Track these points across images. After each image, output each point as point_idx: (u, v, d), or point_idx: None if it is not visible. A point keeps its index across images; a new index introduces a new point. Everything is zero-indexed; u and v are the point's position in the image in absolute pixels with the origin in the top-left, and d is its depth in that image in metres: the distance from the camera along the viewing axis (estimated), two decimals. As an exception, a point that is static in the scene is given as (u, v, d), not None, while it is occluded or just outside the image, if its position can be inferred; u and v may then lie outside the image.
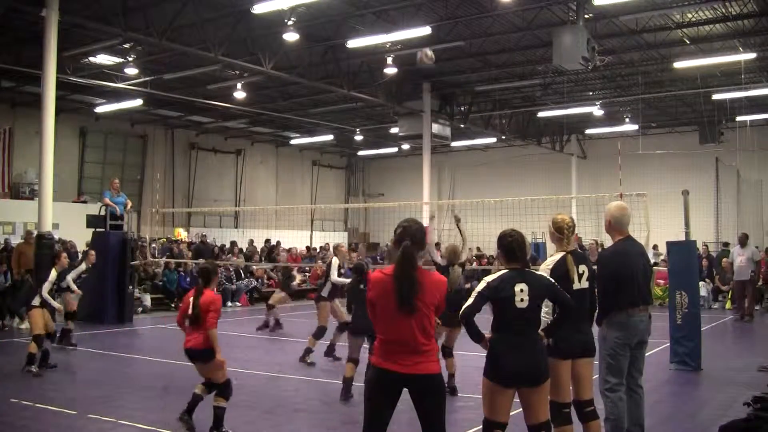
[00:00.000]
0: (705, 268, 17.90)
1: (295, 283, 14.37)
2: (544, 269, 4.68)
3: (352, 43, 16.03)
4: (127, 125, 25.47)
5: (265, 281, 20.43)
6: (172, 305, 16.91)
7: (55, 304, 9.26)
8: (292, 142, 29.77)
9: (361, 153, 32.64)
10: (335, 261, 10.12)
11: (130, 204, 15.14)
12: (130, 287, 14.61)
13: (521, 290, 4.06)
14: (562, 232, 4.80)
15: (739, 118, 22.00)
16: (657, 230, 10.24)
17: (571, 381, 4.64)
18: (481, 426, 4.20)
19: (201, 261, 17.68)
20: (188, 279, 17.54)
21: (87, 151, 24.21)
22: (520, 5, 14.60)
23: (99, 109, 22.43)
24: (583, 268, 4.76)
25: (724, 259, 17.53)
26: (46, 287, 8.99)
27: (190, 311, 5.79)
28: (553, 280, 4.39)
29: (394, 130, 24.68)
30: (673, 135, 26.22)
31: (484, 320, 4.07)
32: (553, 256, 4.80)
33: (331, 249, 10.99)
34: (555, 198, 14.49)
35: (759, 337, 13.38)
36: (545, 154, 27.65)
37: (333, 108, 23.93)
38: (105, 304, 13.80)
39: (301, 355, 9.65)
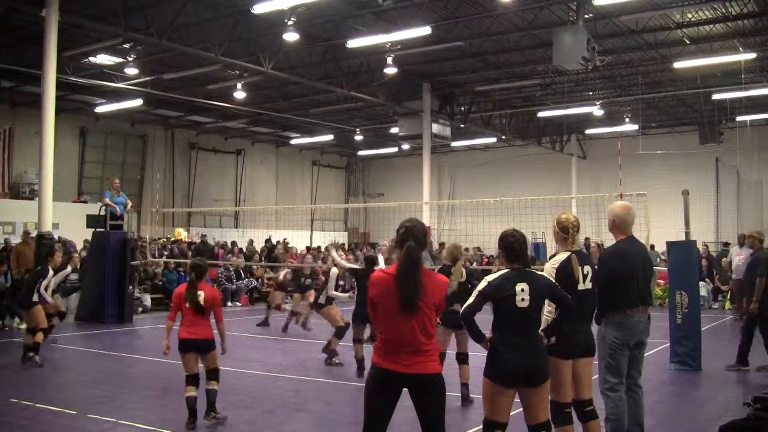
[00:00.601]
0: (705, 268, 17.88)
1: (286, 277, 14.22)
2: (549, 268, 4.66)
3: (352, 43, 16.04)
4: (127, 125, 25.47)
5: (265, 281, 20.42)
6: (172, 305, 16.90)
7: (50, 300, 9.54)
8: (292, 142, 29.78)
9: (361, 153, 32.65)
10: (334, 272, 10.07)
11: (130, 204, 15.13)
12: (130, 287, 14.60)
13: (522, 290, 4.05)
14: (567, 231, 4.77)
15: (739, 118, 22.01)
16: (657, 230, 10.24)
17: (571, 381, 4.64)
18: (481, 426, 4.20)
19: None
20: (188, 279, 17.52)
21: (87, 151, 24.22)
22: (520, 5, 14.61)
23: (99, 109, 22.44)
24: (587, 268, 4.75)
25: (724, 259, 17.52)
26: (43, 284, 9.21)
27: (195, 304, 6.18)
28: (553, 280, 4.39)
29: (394, 130, 24.69)
30: (673, 135, 26.22)
31: (485, 320, 4.07)
32: (557, 256, 4.77)
33: (332, 253, 10.85)
34: (555, 198, 14.51)
35: (758, 336, 13.37)
36: (545, 154, 27.65)
37: (333, 108, 23.94)
38: (105, 304, 13.78)
39: (326, 358, 9.54)
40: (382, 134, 28.16)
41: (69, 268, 11.38)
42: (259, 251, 21.70)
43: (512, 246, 4.22)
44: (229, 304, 18.27)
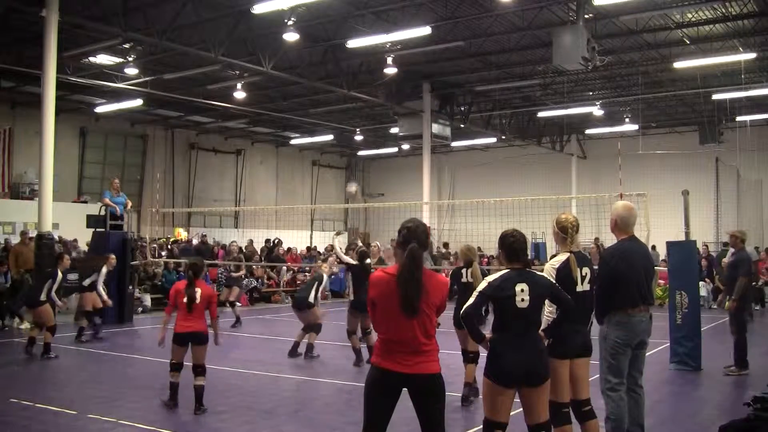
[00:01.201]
0: (705, 268, 17.88)
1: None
2: (549, 269, 4.66)
3: (352, 43, 16.04)
4: (127, 125, 25.48)
5: (265, 281, 20.43)
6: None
7: (60, 303, 10.11)
8: (292, 142, 29.78)
9: (361, 153, 32.65)
10: (320, 275, 10.43)
11: (130, 204, 15.13)
12: (130, 287, 14.60)
13: (522, 290, 4.05)
14: (566, 231, 4.76)
15: (739, 118, 22.02)
16: (657, 230, 10.22)
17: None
18: (481, 426, 4.20)
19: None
20: (187, 276, 17.51)
21: (87, 151, 24.23)
22: (520, 5, 14.61)
23: (99, 109, 22.44)
24: (585, 270, 4.74)
25: (724, 259, 17.51)
26: (54, 287, 9.83)
27: (194, 300, 6.57)
28: (553, 281, 4.39)
29: (394, 130, 24.70)
30: (673, 135, 26.23)
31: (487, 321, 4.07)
32: (558, 257, 4.77)
33: (336, 249, 11.01)
34: (555, 198, 14.50)
35: (758, 337, 13.37)
36: (545, 154, 27.65)
37: (333, 108, 23.94)
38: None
39: (304, 352, 9.90)
40: (382, 134, 28.17)
41: (105, 269, 11.77)
42: (259, 251, 21.69)
43: (512, 246, 4.22)
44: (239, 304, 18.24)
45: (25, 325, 12.87)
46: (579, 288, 4.64)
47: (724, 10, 15.09)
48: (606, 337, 5.02)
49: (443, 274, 8.12)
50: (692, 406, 7.29)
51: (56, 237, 15.43)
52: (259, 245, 22.01)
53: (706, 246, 20.10)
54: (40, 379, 8.36)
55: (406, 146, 27.54)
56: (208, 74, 19.01)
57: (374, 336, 8.97)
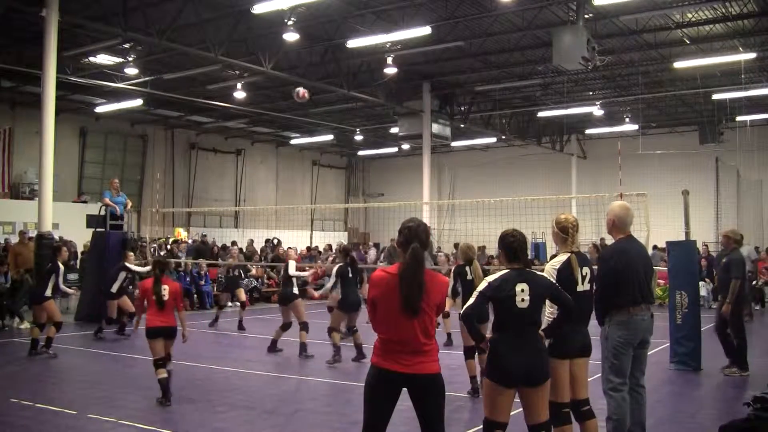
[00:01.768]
0: (705, 268, 17.88)
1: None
2: (549, 269, 4.65)
3: (352, 43, 16.04)
4: (127, 125, 25.48)
5: (265, 281, 20.42)
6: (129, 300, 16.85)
7: (71, 291, 10.53)
8: (292, 142, 29.78)
9: (361, 153, 32.64)
10: (292, 264, 10.65)
11: (130, 204, 15.13)
12: (130, 287, 14.57)
13: (522, 290, 4.05)
14: (566, 231, 4.75)
15: (739, 118, 22.01)
16: (657, 230, 10.24)
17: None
18: (481, 426, 4.20)
19: (201, 261, 17.78)
20: (188, 279, 17.54)
21: (87, 151, 24.22)
22: (520, 5, 14.61)
23: (99, 109, 22.44)
24: (586, 270, 4.73)
25: (723, 260, 17.51)
26: (60, 280, 10.03)
27: (160, 297, 6.97)
28: (553, 281, 4.38)
29: (394, 130, 24.69)
30: (673, 135, 26.22)
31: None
32: (558, 257, 4.75)
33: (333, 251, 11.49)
34: (555, 198, 14.49)
35: (758, 337, 13.37)
36: (545, 154, 27.64)
37: (333, 108, 23.93)
38: (105, 304, 13.75)
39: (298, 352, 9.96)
40: (382, 134, 28.16)
41: (147, 268, 12.00)
42: (259, 251, 21.69)
43: (512, 246, 4.21)
44: (229, 304, 18.24)
45: (25, 325, 12.87)
46: (579, 288, 4.64)
47: (724, 10, 15.09)
48: (608, 337, 5.02)
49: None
50: (692, 406, 7.29)
51: (56, 237, 15.40)
52: (259, 245, 22.02)
53: (706, 246, 20.09)
54: (40, 379, 8.36)
55: (406, 146, 27.54)
56: (208, 74, 19.01)
57: (360, 335, 9.14)
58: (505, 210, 12.49)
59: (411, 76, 20.85)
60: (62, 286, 10.11)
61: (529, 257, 5.39)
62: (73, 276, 13.85)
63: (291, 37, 15.21)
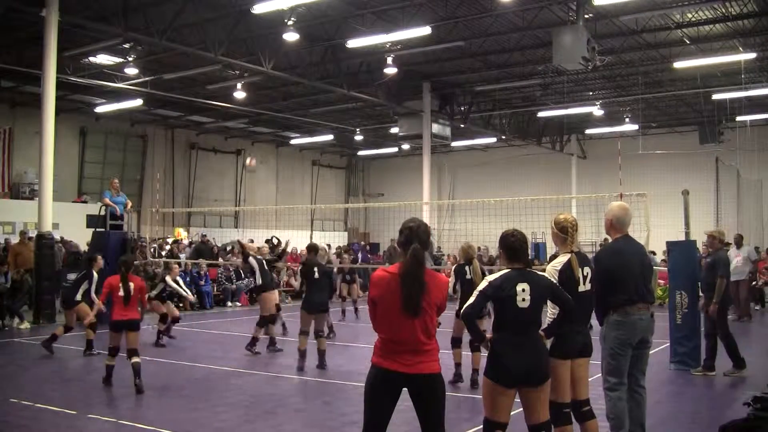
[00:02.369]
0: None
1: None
2: (551, 270, 4.64)
3: (352, 43, 16.04)
4: (127, 125, 25.47)
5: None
6: (172, 305, 16.88)
7: (97, 301, 10.22)
8: (292, 142, 29.78)
9: (361, 153, 32.64)
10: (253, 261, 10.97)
11: (130, 204, 15.12)
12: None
13: (523, 290, 4.05)
14: (566, 232, 4.73)
15: (739, 118, 22.00)
16: (657, 230, 10.22)
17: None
18: (481, 426, 4.20)
19: (201, 261, 17.77)
20: (188, 279, 17.52)
21: (87, 151, 24.22)
22: (520, 5, 14.61)
23: (99, 109, 22.44)
24: (587, 270, 4.73)
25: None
26: (92, 288, 10.21)
27: (127, 293, 7.59)
28: (553, 281, 4.38)
29: (394, 130, 24.69)
30: (673, 135, 26.22)
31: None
32: (559, 258, 4.73)
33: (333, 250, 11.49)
34: (555, 198, 14.49)
35: (758, 337, 13.38)
36: (545, 154, 27.64)
37: (333, 108, 23.94)
38: (105, 304, 13.74)
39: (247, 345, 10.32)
40: (382, 134, 28.16)
41: (169, 279, 11.96)
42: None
43: (513, 246, 4.21)
44: (229, 304, 18.27)
45: (25, 325, 12.88)
46: (581, 288, 4.63)
47: (724, 10, 15.09)
48: (605, 337, 5.02)
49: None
50: (692, 406, 7.29)
51: (56, 237, 15.41)
52: (259, 245, 21.97)
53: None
54: (40, 379, 8.36)
55: (406, 146, 27.55)
56: (208, 74, 19.01)
57: (325, 341, 8.81)
58: (505, 210, 12.48)
59: (411, 76, 20.85)
60: (93, 295, 10.21)
61: (530, 257, 5.40)
62: (73, 276, 13.82)
63: (291, 37, 15.21)
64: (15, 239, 16.82)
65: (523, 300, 4.04)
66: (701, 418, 6.65)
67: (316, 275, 8.98)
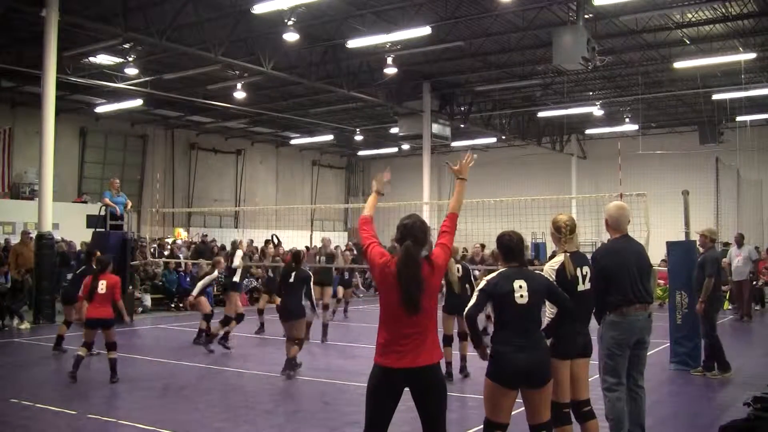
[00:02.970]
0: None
1: None
2: (548, 270, 4.65)
3: (352, 43, 16.04)
4: (127, 125, 25.48)
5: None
6: (172, 305, 16.92)
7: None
8: (292, 142, 29.79)
9: (361, 153, 32.65)
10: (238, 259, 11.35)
11: (130, 204, 15.12)
12: (130, 287, 14.59)
13: (520, 286, 4.06)
14: (560, 231, 4.75)
15: (739, 118, 22.01)
16: (657, 230, 10.22)
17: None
18: (481, 426, 4.20)
19: (201, 261, 17.75)
20: (188, 279, 17.53)
21: (87, 151, 24.23)
22: (520, 5, 14.61)
23: (99, 109, 22.44)
24: (585, 269, 4.73)
25: (724, 260, 17.48)
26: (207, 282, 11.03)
27: (100, 291, 7.86)
28: (551, 280, 4.39)
29: (394, 130, 24.71)
30: (673, 135, 26.23)
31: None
32: (556, 257, 4.75)
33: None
34: (555, 198, 14.48)
35: (758, 337, 13.38)
36: (545, 154, 27.65)
37: (333, 108, 23.95)
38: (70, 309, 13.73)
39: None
40: (382, 134, 28.17)
41: (216, 273, 11.59)
42: (259, 251, 21.66)
43: (509, 245, 4.24)
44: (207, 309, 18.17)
45: (25, 325, 12.87)
46: (580, 287, 4.63)
47: (724, 10, 15.09)
48: (602, 337, 5.02)
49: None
50: (692, 406, 7.28)
51: (56, 237, 15.39)
52: (258, 245, 21.98)
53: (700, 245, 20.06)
54: (40, 379, 8.36)
55: (406, 146, 27.57)
56: (208, 74, 19.01)
57: (296, 348, 8.33)
58: (505, 210, 12.48)
59: (411, 76, 20.86)
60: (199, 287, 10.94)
61: (530, 257, 5.43)
62: (71, 274, 13.84)
63: (291, 37, 15.21)
64: (15, 239, 16.82)
65: (521, 296, 4.05)
66: (701, 418, 6.65)
67: (291, 279, 8.67)
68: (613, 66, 18.83)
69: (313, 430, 6.26)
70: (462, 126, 23.86)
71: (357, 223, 4.00)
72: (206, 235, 22.58)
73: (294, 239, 23.94)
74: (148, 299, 16.48)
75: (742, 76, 17.74)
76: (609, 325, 4.99)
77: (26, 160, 20.97)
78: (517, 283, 4.07)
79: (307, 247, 24.97)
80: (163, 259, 18.18)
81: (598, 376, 5.13)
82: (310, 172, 32.85)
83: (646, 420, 5.18)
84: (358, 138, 28.42)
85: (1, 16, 14.75)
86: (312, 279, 9.10)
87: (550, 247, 24.45)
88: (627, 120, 24.16)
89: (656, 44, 17.36)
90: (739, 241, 15.16)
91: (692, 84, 20.09)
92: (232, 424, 6.27)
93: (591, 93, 22.58)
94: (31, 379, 8.33)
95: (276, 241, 16.57)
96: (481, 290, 4.13)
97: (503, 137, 26.37)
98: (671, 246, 9.66)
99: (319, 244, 26.29)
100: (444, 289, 8.20)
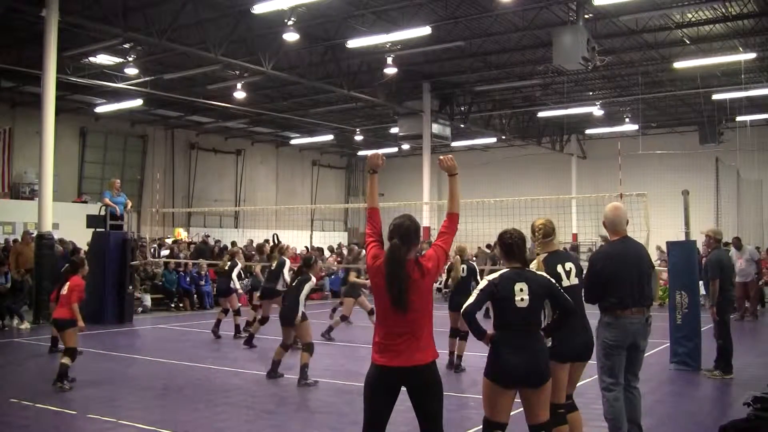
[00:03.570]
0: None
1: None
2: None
3: (352, 43, 16.04)
4: (127, 125, 25.48)
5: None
6: (172, 305, 16.93)
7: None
8: (292, 142, 29.78)
9: (361, 153, 32.64)
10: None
11: (130, 204, 15.12)
12: (130, 287, 14.60)
13: (521, 290, 4.06)
14: (533, 234, 4.86)
15: (739, 118, 22.00)
16: (657, 230, 10.23)
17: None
18: (481, 426, 4.20)
19: (201, 261, 17.77)
20: (188, 279, 17.54)
21: (87, 151, 24.22)
22: (520, 5, 14.61)
23: (99, 109, 22.44)
24: (569, 265, 4.74)
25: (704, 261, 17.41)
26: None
27: (64, 292, 7.77)
28: (552, 280, 4.39)
29: (394, 130, 24.70)
30: (673, 135, 26.22)
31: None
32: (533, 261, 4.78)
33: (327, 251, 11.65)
34: (555, 198, 14.48)
35: (758, 336, 13.38)
36: (545, 154, 27.64)
37: (333, 108, 23.94)
38: (105, 304, 13.78)
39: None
40: (382, 134, 28.16)
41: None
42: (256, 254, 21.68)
43: (511, 245, 4.23)
44: (228, 306, 18.21)
45: (25, 325, 12.87)
46: (566, 283, 4.63)
47: (724, 10, 15.09)
48: (597, 337, 5.05)
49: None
50: (692, 406, 7.28)
51: (56, 237, 15.38)
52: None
53: (705, 245, 20.06)
54: (40, 379, 8.35)
55: (406, 146, 27.54)
56: (208, 74, 19.01)
57: (306, 354, 8.02)
58: (505, 210, 12.49)
59: (411, 76, 20.86)
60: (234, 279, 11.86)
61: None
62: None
63: (291, 37, 15.21)
64: (15, 239, 16.81)
65: (522, 300, 4.04)
66: (701, 418, 6.65)
67: (295, 284, 8.45)
68: (613, 66, 18.83)
69: (314, 430, 6.26)
70: (462, 126, 23.86)
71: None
72: (208, 236, 22.57)
73: (294, 239, 23.98)
74: (148, 299, 16.49)
75: (742, 76, 17.73)
76: (604, 326, 5.03)
77: (26, 160, 20.96)
78: (518, 287, 4.07)
79: (307, 248, 24.96)
80: (163, 259, 18.18)
81: (596, 376, 5.14)
82: (310, 172, 32.85)
83: (646, 420, 5.20)
84: (358, 138, 28.41)
85: (1, 16, 14.75)
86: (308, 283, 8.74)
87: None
88: (627, 120, 24.16)
89: (656, 44, 17.35)
90: (737, 244, 15.11)
91: (692, 84, 20.08)
92: (232, 424, 6.27)
93: (591, 93, 22.58)
94: (31, 379, 8.33)
95: (276, 241, 16.55)
96: (482, 290, 4.13)
97: (503, 137, 26.36)
98: (671, 246, 9.66)
99: (318, 244, 26.38)
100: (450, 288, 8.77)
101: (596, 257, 5.27)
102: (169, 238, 23.39)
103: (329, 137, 28.16)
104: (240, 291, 12.74)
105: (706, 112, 22.64)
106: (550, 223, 4.87)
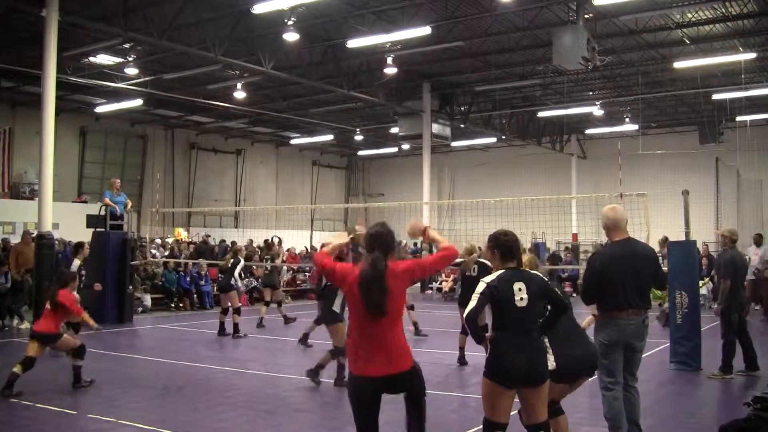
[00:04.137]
0: (705, 267, 17.86)
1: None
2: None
3: (352, 43, 16.04)
4: (127, 125, 25.48)
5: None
6: (172, 305, 16.92)
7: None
8: (292, 142, 29.79)
9: (361, 153, 32.67)
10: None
11: (130, 204, 15.11)
12: (130, 287, 14.60)
13: (520, 289, 4.08)
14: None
15: (739, 118, 22.00)
16: (657, 230, 10.23)
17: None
18: (481, 426, 4.21)
19: (201, 261, 17.77)
20: (188, 279, 17.53)
21: (87, 151, 24.23)
22: (520, 5, 14.61)
23: (99, 109, 22.45)
24: (519, 284, 4.33)
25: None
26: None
27: (47, 306, 7.51)
28: (546, 279, 4.41)
29: (394, 130, 24.70)
30: (673, 135, 26.23)
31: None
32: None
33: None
34: (555, 198, 14.48)
35: (759, 336, 13.36)
36: (545, 154, 27.64)
37: (333, 108, 23.94)
38: (105, 304, 13.76)
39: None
40: (382, 134, 28.17)
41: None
42: (259, 252, 21.67)
43: (506, 246, 4.24)
44: (229, 304, 18.21)
45: (25, 325, 12.87)
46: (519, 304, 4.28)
47: (724, 10, 15.09)
48: (596, 337, 5.07)
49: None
50: (692, 406, 7.29)
51: (56, 237, 15.38)
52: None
53: (707, 246, 20.08)
54: (41, 379, 8.34)
55: (406, 146, 27.54)
56: (208, 74, 19.01)
57: (328, 355, 7.93)
58: (505, 210, 12.49)
59: (411, 76, 20.86)
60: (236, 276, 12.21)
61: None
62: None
63: (291, 37, 15.21)
64: (15, 239, 16.80)
65: (521, 299, 4.06)
66: (701, 418, 6.65)
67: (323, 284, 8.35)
68: (613, 66, 18.83)
69: (313, 430, 6.27)
70: (462, 126, 23.86)
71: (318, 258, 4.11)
72: (209, 236, 22.57)
73: (294, 239, 24.00)
74: (148, 299, 16.48)
75: (742, 76, 17.74)
76: (601, 326, 5.07)
77: (26, 160, 20.97)
78: (516, 286, 4.09)
79: (306, 248, 24.98)
80: (163, 259, 18.18)
81: (596, 377, 5.15)
82: (310, 172, 32.85)
83: (646, 420, 5.21)
84: (358, 138, 28.42)
85: (1, 16, 14.75)
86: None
87: (551, 246, 24.52)
88: (627, 120, 24.16)
89: (656, 44, 17.35)
90: (758, 240, 15.14)
91: (692, 84, 20.08)
92: (232, 424, 6.27)
93: (591, 93, 22.58)
94: (31, 379, 8.31)
95: (276, 241, 16.64)
96: (481, 294, 4.12)
97: (503, 137, 26.36)
98: (671, 246, 9.66)
99: (318, 244, 26.37)
100: (459, 284, 9.03)
101: (595, 258, 5.29)
102: (169, 237, 23.41)
103: (329, 137, 28.16)
104: (241, 288, 13.00)
105: (706, 112, 22.65)
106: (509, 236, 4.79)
